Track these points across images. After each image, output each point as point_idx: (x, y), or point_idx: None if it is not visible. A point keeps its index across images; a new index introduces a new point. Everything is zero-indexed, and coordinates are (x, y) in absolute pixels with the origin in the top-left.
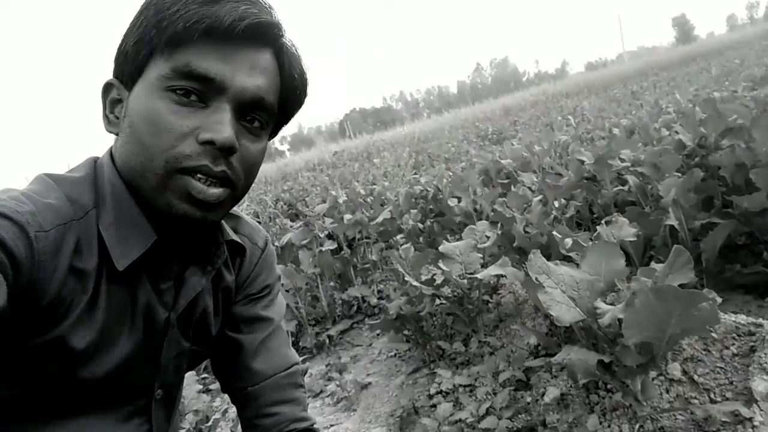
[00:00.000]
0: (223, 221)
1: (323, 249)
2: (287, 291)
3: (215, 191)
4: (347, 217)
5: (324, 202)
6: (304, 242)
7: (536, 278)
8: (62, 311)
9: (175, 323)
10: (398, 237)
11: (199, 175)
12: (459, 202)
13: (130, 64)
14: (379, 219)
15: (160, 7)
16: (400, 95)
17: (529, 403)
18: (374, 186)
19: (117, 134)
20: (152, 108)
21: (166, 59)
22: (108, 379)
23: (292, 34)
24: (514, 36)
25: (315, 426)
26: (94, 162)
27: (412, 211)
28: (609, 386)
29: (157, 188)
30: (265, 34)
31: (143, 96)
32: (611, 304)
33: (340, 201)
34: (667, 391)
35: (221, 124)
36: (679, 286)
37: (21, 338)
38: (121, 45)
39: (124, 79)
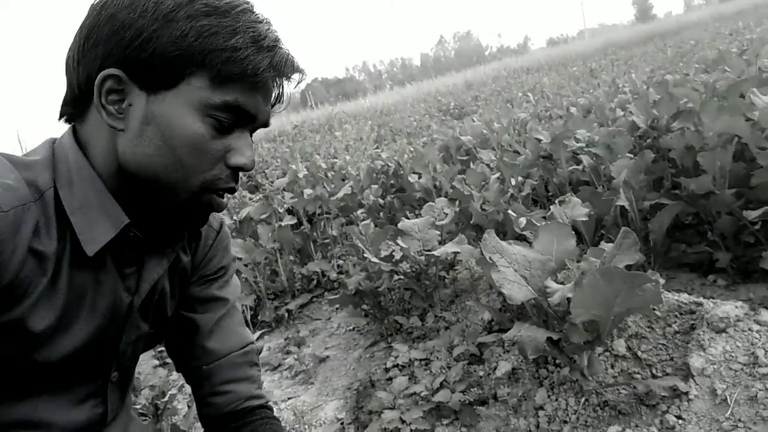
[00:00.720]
0: None
1: (283, 224)
2: (245, 266)
3: (225, 202)
4: (307, 191)
5: (284, 174)
6: (263, 217)
7: (490, 257)
8: (21, 292)
9: (137, 307)
10: (359, 212)
11: (222, 192)
12: (419, 178)
13: (160, 70)
14: (340, 194)
15: (211, 29)
16: (363, 66)
17: (481, 377)
18: (335, 159)
19: (121, 130)
20: (195, 131)
21: (214, 88)
22: (64, 363)
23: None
24: (477, 10)
25: (269, 403)
26: (52, 144)
27: (373, 186)
28: (557, 361)
29: (187, 203)
30: None
31: (181, 113)
32: (562, 283)
33: (300, 176)
34: (612, 367)
35: (248, 150)
36: (627, 266)
37: None
38: (132, 38)
39: (139, 79)
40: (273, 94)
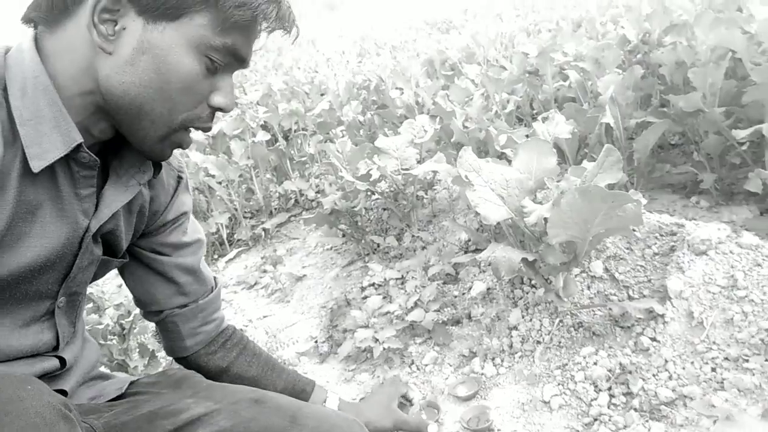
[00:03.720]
0: None
1: (256, 140)
2: (219, 183)
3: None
4: (282, 106)
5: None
6: (237, 132)
7: (465, 176)
8: None
9: (93, 231)
10: (338, 130)
11: (197, 129)
12: (401, 94)
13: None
14: (317, 110)
15: None
16: None
17: (456, 297)
18: (316, 73)
19: (109, 53)
20: (191, 69)
21: (217, 29)
22: (7, 281)
23: None
24: None
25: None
26: (5, 50)
27: (352, 102)
28: (533, 282)
29: (161, 137)
30: None
31: (179, 49)
32: (540, 203)
33: (275, 89)
34: (589, 288)
35: (232, 92)
36: (609, 185)
37: None
38: None
39: (141, 5)
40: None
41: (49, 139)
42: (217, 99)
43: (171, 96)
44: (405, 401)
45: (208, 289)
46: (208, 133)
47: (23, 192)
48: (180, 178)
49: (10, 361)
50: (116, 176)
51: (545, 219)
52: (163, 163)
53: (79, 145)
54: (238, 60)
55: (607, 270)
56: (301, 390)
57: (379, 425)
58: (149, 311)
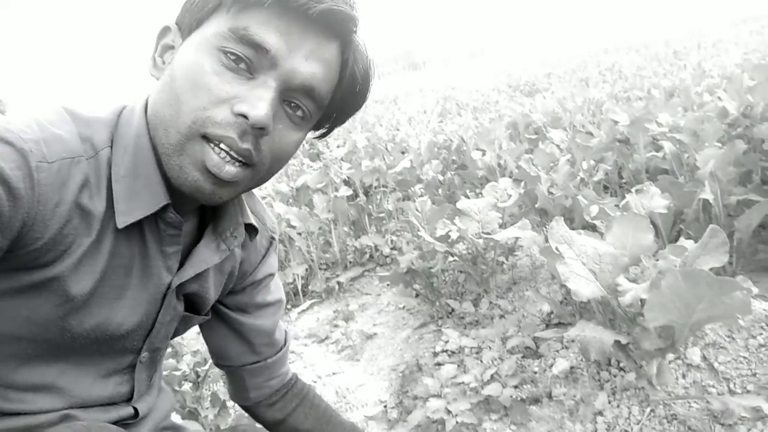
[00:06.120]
0: (244, 200)
1: (338, 194)
2: (299, 234)
3: (231, 169)
4: (365, 163)
5: (345, 144)
6: (320, 186)
7: (557, 247)
8: (62, 249)
9: (175, 289)
10: (417, 188)
11: (222, 145)
12: (483, 155)
13: (194, 13)
14: (398, 168)
15: None
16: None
17: (536, 373)
18: (397, 131)
19: (158, 78)
20: (197, 63)
21: (227, 18)
22: (95, 333)
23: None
24: None
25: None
26: (121, 109)
27: (433, 161)
28: (621, 365)
29: (175, 147)
30: (337, 25)
31: (193, 48)
32: (634, 281)
33: (360, 146)
34: (684, 377)
35: (261, 101)
36: (712, 269)
37: (16, 273)
38: None
39: (183, 26)
40: (311, 44)
41: (138, 197)
42: (239, 105)
43: (178, 94)
44: None
45: (278, 348)
46: (292, 185)
47: (117, 245)
48: (272, 239)
49: (87, 408)
50: (209, 238)
51: (641, 300)
52: (259, 224)
53: (165, 206)
54: (262, 51)
55: (705, 358)
56: None
57: None
58: (219, 363)
